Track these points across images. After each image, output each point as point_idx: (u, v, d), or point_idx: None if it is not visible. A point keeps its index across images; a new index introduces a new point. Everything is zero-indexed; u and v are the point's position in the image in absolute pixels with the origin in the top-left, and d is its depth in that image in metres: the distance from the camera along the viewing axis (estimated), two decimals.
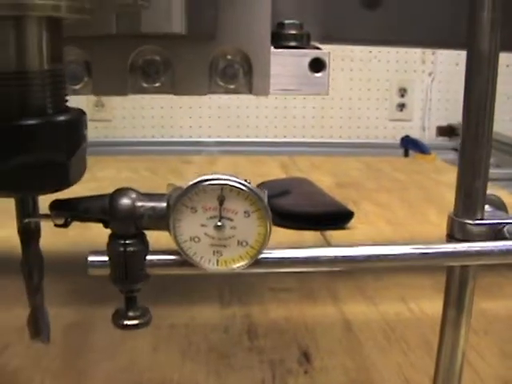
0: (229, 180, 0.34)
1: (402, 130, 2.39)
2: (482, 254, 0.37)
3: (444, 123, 2.44)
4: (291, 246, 0.37)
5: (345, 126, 2.46)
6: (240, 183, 0.34)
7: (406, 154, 2.02)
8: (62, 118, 0.33)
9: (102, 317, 0.66)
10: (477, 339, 0.64)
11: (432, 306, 0.70)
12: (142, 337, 0.63)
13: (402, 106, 2.45)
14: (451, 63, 2.37)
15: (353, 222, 1.00)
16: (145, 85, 0.46)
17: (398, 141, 2.20)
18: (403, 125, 2.44)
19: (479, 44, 0.34)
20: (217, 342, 0.63)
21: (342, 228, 0.99)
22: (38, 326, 0.40)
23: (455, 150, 2.21)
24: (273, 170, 1.42)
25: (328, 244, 0.91)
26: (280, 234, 0.94)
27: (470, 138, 0.36)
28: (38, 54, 0.31)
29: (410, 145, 2.02)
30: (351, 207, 1.04)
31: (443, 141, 2.42)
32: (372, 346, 0.62)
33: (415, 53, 2.37)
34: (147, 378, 0.56)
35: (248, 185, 0.34)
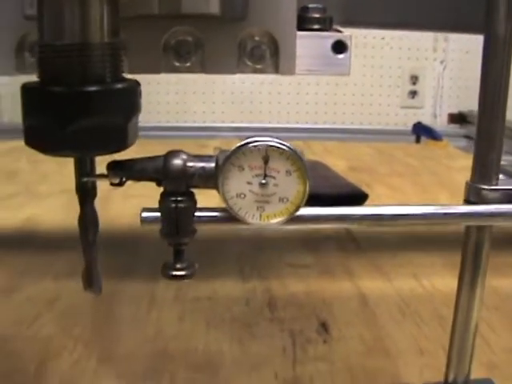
0: (273, 141, 0.37)
1: (413, 117, 2.40)
2: (496, 215, 0.40)
3: (455, 111, 2.45)
4: None
5: (357, 112, 2.47)
6: (283, 144, 0.37)
7: (418, 141, 2.04)
8: (119, 85, 0.36)
9: (128, 290, 0.70)
10: (488, 314, 0.67)
11: (443, 282, 0.73)
12: (168, 309, 0.66)
13: (413, 94, 2.46)
14: (463, 51, 2.38)
15: (366, 204, 1.02)
16: (177, 64, 0.49)
17: (409, 128, 2.22)
18: (415, 112, 2.46)
19: (496, 29, 0.37)
20: (239, 313, 0.66)
21: None
22: (91, 279, 0.43)
23: (466, 137, 2.23)
24: None
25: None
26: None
27: (486, 113, 0.39)
28: (99, 28, 0.34)
29: (421, 131, 2.04)
30: (365, 190, 1.06)
31: (454, 128, 2.43)
32: (387, 319, 0.65)
33: (427, 40, 2.38)
34: (173, 346, 0.59)
35: (290, 146, 0.37)
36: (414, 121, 2.29)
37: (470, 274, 0.41)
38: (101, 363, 0.56)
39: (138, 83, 0.38)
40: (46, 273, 0.74)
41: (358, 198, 1.02)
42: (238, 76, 0.50)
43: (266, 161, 0.37)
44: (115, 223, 0.85)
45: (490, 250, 0.42)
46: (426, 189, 1.13)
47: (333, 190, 1.03)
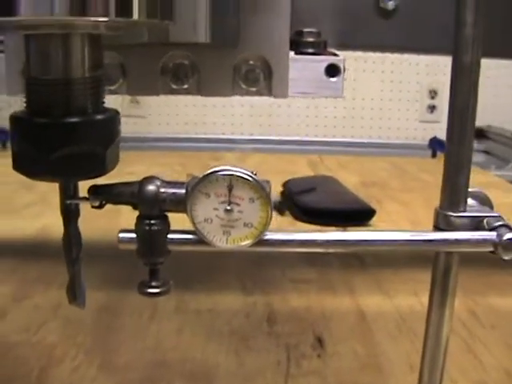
0: (236, 171, 0.39)
1: (431, 132, 2.40)
2: (461, 241, 0.41)
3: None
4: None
5: (375, 126, 2.48)
6: (246, 174, 0.39)
7: (434, 155, 2.04)
8: (99, 116, 0.39)
9: (131, 301, 0.72)
10: (484, 332, 0.68)
11: None
12: (168, 320, 0.68)
13: (432, 108, 2.46)
14: (482, 67, 2.37)
15: (375, 220, 1.04)
16: (174, 86, 0.51)
17: (427, 142, 2.21)
18: (433, 126, 2.45)
19: (462, 57, 0.39)
20: (238, 326, 0.67)
21: (364, 225, 1.02)
22: (75, 293, 0.45)
23: (484, 152, 2.22)
24: (301, 168, 1.46)
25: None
26: (304, 229, 0.98)
27: (454, 141, 0.40)
28: (81, 64, 0.37)
29: (437, 146, 2.04)
30: (374, 206, 1.07)
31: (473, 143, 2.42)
32: (383, 335, 0.66)
33: (446, 55, 2.37)
34: (171, 356, 0.61)
35: (253, 176, 0.39)
36: (433, 135, 2.29)
37: (439, 297, 0.43)
38: (100, 371, 0.58)
39: (117, 112, 0.40)
40: (55, 281, 0.76)
41: (366, 213, 1.03)
42: None
43: (230, 189, 0.39)
44: (108, 238, 0.87)
45: (458, 273, 0.43)
46: (436, 204, 1.13)
47: (340, 206, 1.05)
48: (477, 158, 2.08)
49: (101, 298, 0.72)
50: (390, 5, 0.58)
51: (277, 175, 1.24)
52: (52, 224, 1.00)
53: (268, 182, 0.39)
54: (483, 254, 0.77)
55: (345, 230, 0.98)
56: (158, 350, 0.62)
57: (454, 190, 0.41)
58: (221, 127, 2.44)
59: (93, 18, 0.31)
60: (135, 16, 0.32)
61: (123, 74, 0.50)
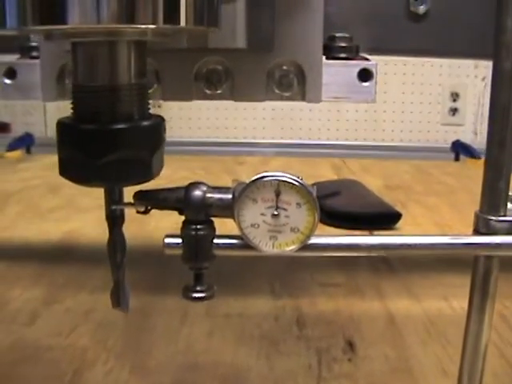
0: (284, 176, 0.40)
1: (453, 135, 2.39)
2: (502, 245, 0.41)
3: None
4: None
5: (397, 129, 2.48)
6: (293, 179, 0.39)
7: (457, 159, 2.03)
8: (146, 123, 0.39)
9: (161, 305, 0.72)
10: None
11: None
12: (199, 324, 0.68)
13: (454, 111, 2.45)
14: None
15: (400, 223, 1.03)
16: (208, 92, 0.51)
17: (449, 145, 2.21)
18: (455, 129, 2.45)
19: (502, 63, 0.39)
20: (268, 330, 0.67)
21: (390, 228, 1.02)
22: (118, 297, 0.46)
23: None
24: (324, 172, 1.46)
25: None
26: (330, 232, 0.98)
27: (495, 144, 0.40)
28: (127, 71, 0.37)
29: (460, 149, 2.03)
30: (399, 209, 1.07)
31: None
32: (413, 339, 0.66)
33: (477, 60, 2.37)
34: (202, 360, 0.61)
35: (300, 181, 0.39)
36: (455, 138, 2.28)
37: (478, 301, 0.43)
38: (132, 374, 0.58)
39: (162, 119, 0.41)
40: (84, 286, 0.77)
41: (392, 217, 1.03)
42: None
43: (277, 194, 0.39)
44: (152, 239, 0.88)
45: (498, 277, 0.43)
46: (462, 208, 1.13)
47: (366, 210, 1.05)
48: None
49: (132, 302, 0.72)
50: (421, 9, 0.59)
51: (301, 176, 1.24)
52: (78, 228, 1.01)
53: (314, 186, 0.40)
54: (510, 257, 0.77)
55: (371, 234, 0.98)
56: (189, 353, 0.63)
57: (494, 194, 0.41)
58: (242, 131, 2.45)
59: (141, 26, 0.32)
60: (182, 23, 0.32)
61: (158, 80, 0.50)
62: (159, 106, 2.44)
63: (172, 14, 0.32)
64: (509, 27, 0.38)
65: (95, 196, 1.19)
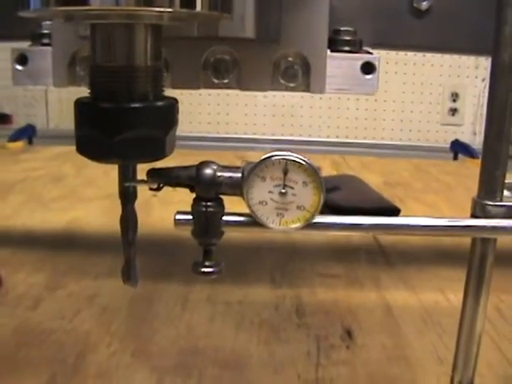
0: (292, 156, 0.42)
1: (453, 135, 2.41)
2: (498, 228, 0.43)
3: None
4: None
5: (396, 128, 2.49)
6: (301, 159, 0.41)
7: (456, 158, 2.05)
8: (160, 103, 0.41)
9: (164, 292, 0.73)
10: (509, 330, 0.68)
11: None
12: (199, 310, 0.70)
13: (454, 111, 2.47)
14: None
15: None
16: (215, 81, 0.53)
17: (448, 145, 2.22)
18: (455, 129, 2.46)
19: (502, 54, 0.40)
20: (268, 317, 0.69)
21: None
22: (129, 274, 0.47)
23: None
24: (324, 168, 1.45)
25: (374, 237, 0.96)
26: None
27: (493, 134, 0.42)
28: (144, 53, 0.39)
29: (459, 149, 2.05)
30: (398, 205, 1.08)
31: None
32: (409, 328, 0.67)
33: (468, 58, 2.38)
34: (203, 344, 0.63)
35: (307, 160, 0.41)
36: (454, 138, 2.29)
37: (474, 285, 0.44)
38: (135, 357, 0.59)
39: (176, 100, 0.42)
40: (88, 272, 0.78)
41: (390, 212, 1.04)
42: None
43: (285, 173, 0.41)
44: (155, 228, 0.89)
45: (493, 263, 0.44)
46: (460, 205, 1.15)
47: (365, 204, 1.06)
48: None
49: (135, 289, 0.73)
50: (424, 5, 0.60)
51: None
52: (81, 217, 1.02)
53: (320, 167, 0.41)
54: (507, 252, 0.78)
55: None
56: (190, 338, 0.64)
57: (491, 181, 0.43)
58: (243, 127, 2.46)
59: (158, 9, 0.33)
60: (198, 8, 0.34)
61: (166, 68, 0.52)
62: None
63: None
64: (509, 19, 0.39)
65: (98, 186, 1.21)
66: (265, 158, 0.41)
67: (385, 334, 0.66)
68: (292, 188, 0.41)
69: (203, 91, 0.54)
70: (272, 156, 0.41)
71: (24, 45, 0.57)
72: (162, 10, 0.33)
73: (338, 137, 2.47)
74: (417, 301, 0.75)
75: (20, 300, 0.71)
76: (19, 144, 1.77)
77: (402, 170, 1.51)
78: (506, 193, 0.44)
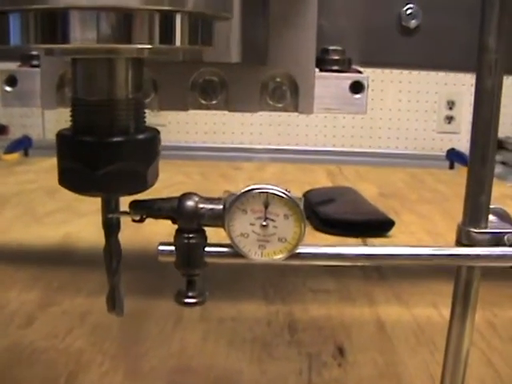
0: (272, 189, 0.41)
1: (449, 143, 2.41)
2: (482, 257, 0.43)
3: None
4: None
5: (393, 136, 2.49)
6: (281, 192, 0.41)
7: (452, 167, 2.05)
8: (141, 136, 0.41)
9: (156, 309, 0.73)
10: (502, 345, 0.68)
11: None
12: (192, 328, 0.70)
13: (450, 119, 2.47)
14: None
15: (393, 231, 1.05)
16: (203, 102, 0.53)
17: (444, 153, 2.22)
18: (451, 137, 2.46)
19: (484, 80, 0.40)
20: (260, 334, 0.69)
21: (383, 236, 1.03)
22: (114, 302, 0.47)
23: (502, 163, 2.22)
24: (319, 178, 1.47)
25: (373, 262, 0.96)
26: (323, 239, 0.99)
27: (477, 160, 0.42)
28: (124, 86, 0.39)
29: (455, 157, 2.05)
30: (393, 217, 1.08)
31: None
32: (402, 345, 0.67)
33: (468, 73, 2.37)
34: (196, 363, 0.63)
35: (287, 193, 0.41)
36: (450, 146, 2.29)
37: (460, 310, 0.44)
38: (127, 377, 0.59)
39: (157, 132, 0.42)
40: (81, 289, 0.78)
41: (385, 225, 1.05)
42: None
43: (266, 206, 0.41)
44: (147, 243, 0.89)
45: (479, 288, 0.44)
46: (454, 216, 1.14)
47: (359, 217, 1.06)
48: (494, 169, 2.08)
49: (127, 306, 0.73)
50: (413, 23, 0.60)
51: (296, 185, 1.25)
52: (75, 231, 1.02)
53: (301, 198, 0.41)
54: (503, 268, 0.78)
55: (364, 241, 0.99)
56: (182, 356, 0.64)
57: (475, 208, 0.43)
58: (239, 136, 2.46)
59: (138, 46, 0.33)
60: (178, 43, 0.34)
61: (155, 89, 0.52)
62: (157, 111, 2.46)
63: (168, 35, 0.33)
64: (490, 46, 0.39)
65: (92, 201, 1.20)
66: (246, 191, 0.41)
67: (377, 350, 0.66)
68: (273, 220, 0.41)
69: None
70: (253, 189, 0.41)
71: (13, 66, 0.58)
72: (141, 46, 0.33)
73: (334, 146, 2.48)
74: (410, 316, 0.75)
75: (12, 318, 0.71)
76: (15, 156, 1.77)
77: (398, 181, 1.51)
78: (491, 217, 0.44)
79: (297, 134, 2.47)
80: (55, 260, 0.90)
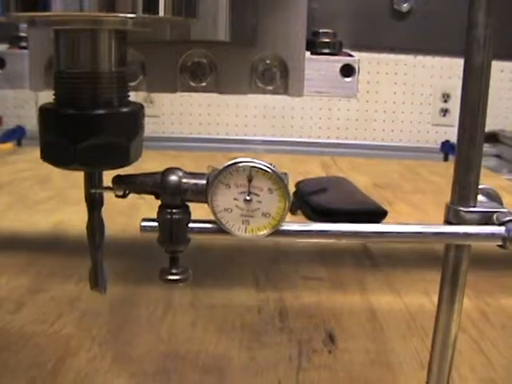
0: (256, 163, 0.41)
1: (444, 135, 2.41)
2: (471, 235, 0.42)
3: (486, 129, 2.44)
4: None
5: (388, 129, 2.49)
6: (265, 165, 0.40)
7: (446, 159, 2.05)
8: (125, 109, 0.40)
9: (146, 295, 0.73)
10: (494, 332, 0.68)
11: None
12: (182, 314, 0.69)
13: (445, 112, 2.47)
14: (496, 70, 2.37)
15: (386, 221, 1.04)
16: (192, 84, 0.52)
17: (439, 145, 2.22)
18: (446, 130, 2.46)
19: (473, 57, 0.40)
20: (250, 321, 0.68)
21: None
22: (97, 279, 0.47)
23: (497, 156, 2.22)
24: (313, 169, 1.46)
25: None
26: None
27: (465, 138, 0.42)
28: (108, 59, 0.38)
29: (449, 150, 2.05)
30: (386, 207, 1.08)
31: (485, 147, 2.42)
32: (393, 332, 0.67)
33: (460, 59, 2.37)
34: (185, 349, 0.62)
35: (272, 167, 0.40)
36: (445, 139, 2.29)
37: (448, 291, 0.44)
38: (114, 362, 0.59)
39: (141, 106, 0.42)
40: (71, 276, 0.78)
41: (377, 214, 1.04)
42: None
43: (249, 180, 0.41)
44: (138, 231, 0.88)
45: (467, 268, 0.44)
46: None
47: (352, 207, 1.06)
48: (489, 162, 2.08)
49: (117, 292, 0.73)
50: (404, 7, 0.60)
51: (290, 176, 1.24)
52: (67, 219, 1.01)
53: (286, 174, 0.41)
54: (495, 256, 0.78)
55: None
56: (171, 342, 0.63)
57: (464, 186, 0.42)
58: (234, 128, 2.46)
59: (121, 15, 0.32)
60: (161, 13, 0.33)
61: (143, 72, 0.51)
62: (151, 102, 2.45)
63: (151, 4, 0.33)
64: (479, 22, 0.39)
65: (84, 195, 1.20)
66: (229, 165, 0.40)
67: (368, 338, 0.66)
68: (257, 195, 0.41)
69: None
70: (236, 163, 0.40)
71: (2, 47, 0.57)
72: (124, 15, 0.33)
73: (329, 138, 2.47)
74: (401, 304, 0.74)
75: (1, 303, 0.70)
76: (8, 145, 1.76)
77: (392, 172, 1.51)
78: (480, 197, 0.43)
79: (291, 126, 2.46)
80: (46, 247, 0.90)
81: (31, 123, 2.31)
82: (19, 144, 1.98)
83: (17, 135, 2.11)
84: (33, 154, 1.53)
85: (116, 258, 0.78)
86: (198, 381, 0.57)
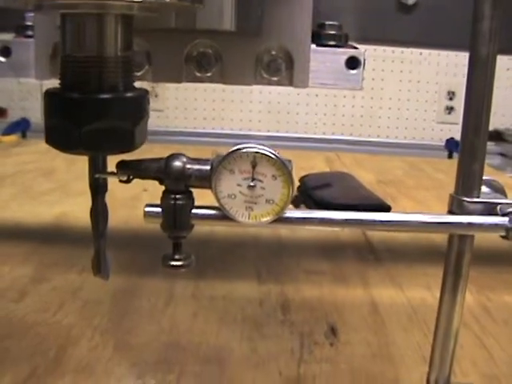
0: (261, 149, 0.41)
1: (449, 133, 2.40)
2: (474, 225, 0.42)
3: (491, 128, 2.43)
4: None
5: (392, 126, 2.48)
6: (269, 151, 0.40)
7: (450, 156, 2.04)
8: (129, 94, 0.40)
9: (148, 286, 0.73)
10: (496, 328, 0.68)
11: None
12: (183, 305, 0.69)
13: (450, 109, 2.46)
14: (502, 68, 2.37)
15: None
16: (198, 74, 0.52)
17: (443, 143, 2.21)
18: (451, 127, 2.45)
19: (479, 49, 0.40)
20: (252, 313, 0.68)
21: None
22: (99, 265, 0.47)
23: (501, 154, 2.22)
24: (318, 164, 1.46)
25: (363, 233, 0.96)
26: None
27: (470, 129, 0.42)
28: (114, 44, 0.38)
29: (453, 147, 2.04)
30: (389, 202, 1.07)
31: (489, 145, 2.41)
32: (395, 326, 0.67)
33: (465, 56, 2.37)
34: (186, 340, 0.62)
35: (276, 154, 0.41)
36: (450, 136, 2.29)
37: (451, 282, 0.44)
38: (116, 352, 0.59)
39: (146, 92, 0.42)
40: (74, 265, 0.78)
41: (381, 209, 1.04)
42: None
43: (253, 166, 0.41)
44: (141, 222, 0.89)
45: (470, 260, 0.44)
46: None
47: (355, 201, 1.06)
48: (493, 160, 2.08)
49: (119, 283, 0.73)
50: (410, 1, 0.59)
51: (294, 171, 1.24)
52: (69, 211, 1.02)
53: (290, 161, 0.41)
54: (497, 252, 0.78)
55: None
56: (172, 333, 0.64)
57: (468, 177, 0.43)
58: (238, 123, 2.45)
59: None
60: None
61: (149, 61, 0.51)
62: (156, 96, 2.45)
63: None
64: (485, 14, 0.39)
65: (87, 181, 1.20)
66: (233, 151, 0.40)
67: (370, 331, 0.66)
68: (261, 181, 0.41)
69: (199, 87, 0.54)
70: (240, 148, 0.40)
71: (9, 37, 0.57)
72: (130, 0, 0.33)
73: (333, 134, 2.47)
74: (404, 298, 0.74)
75: (4, 292, 0.70)
76: (13, 137, 1.77)
77: (396, 168, 1.51)
78: (483, 189, 0.43)
79: (296, 122, 2.45)
80: (49, 238, 0.90)
81: (36, 115, 2.31)
82: (24, 136, 1.98)
83: (21, 127, 2.11)
84: (37, 146, 1.53)
85: (119, 249, 0.78)
86: (198, 371, 0.57)
